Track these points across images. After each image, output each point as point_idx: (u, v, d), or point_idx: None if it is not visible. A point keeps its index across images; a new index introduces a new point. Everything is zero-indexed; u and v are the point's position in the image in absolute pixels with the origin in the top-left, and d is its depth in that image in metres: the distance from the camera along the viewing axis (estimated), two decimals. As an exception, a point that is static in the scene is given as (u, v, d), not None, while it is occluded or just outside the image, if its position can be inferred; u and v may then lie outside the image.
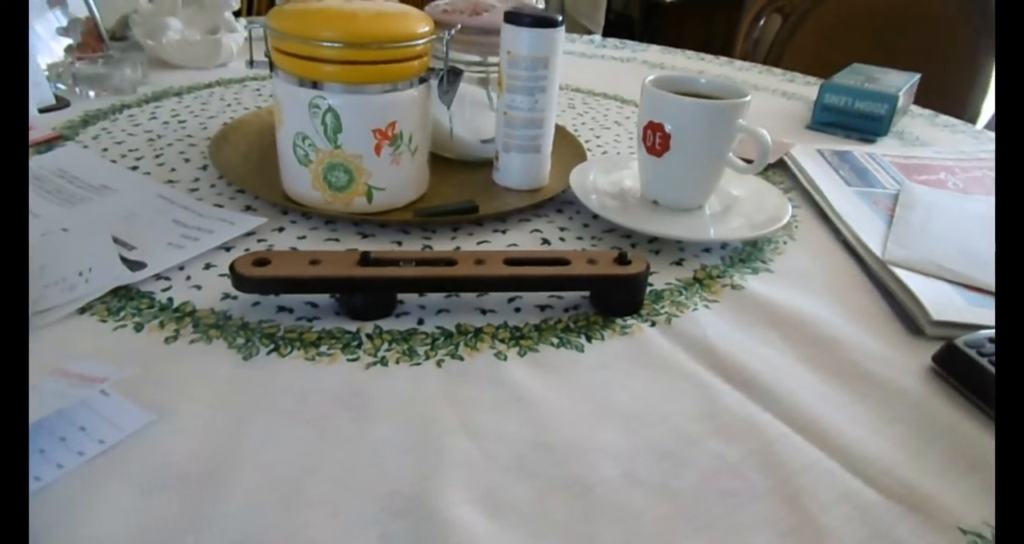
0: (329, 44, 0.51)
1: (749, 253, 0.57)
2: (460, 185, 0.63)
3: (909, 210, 0.63)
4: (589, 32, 2.26)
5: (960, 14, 1.33)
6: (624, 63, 1.14)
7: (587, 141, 0.78)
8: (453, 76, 0.58)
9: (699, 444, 0.37)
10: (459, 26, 0.60)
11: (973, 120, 1.30)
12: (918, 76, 0.96)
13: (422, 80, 0.56)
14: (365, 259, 0.45)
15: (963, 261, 0.55)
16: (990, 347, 0.44)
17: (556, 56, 0.59)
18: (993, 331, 0.45)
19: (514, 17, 0.58)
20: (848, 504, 0.34)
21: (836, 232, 0.61)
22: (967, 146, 0.86)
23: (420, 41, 0.54)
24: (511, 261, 0.47)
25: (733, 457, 0.37)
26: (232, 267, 0.43)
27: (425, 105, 0.57)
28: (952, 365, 0.44)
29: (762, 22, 1.46)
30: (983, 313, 0.49)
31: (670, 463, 0.36)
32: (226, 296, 0.46)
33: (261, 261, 0.44)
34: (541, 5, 0.99)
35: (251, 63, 0.56)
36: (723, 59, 1.20)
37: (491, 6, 0.66)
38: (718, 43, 2.45)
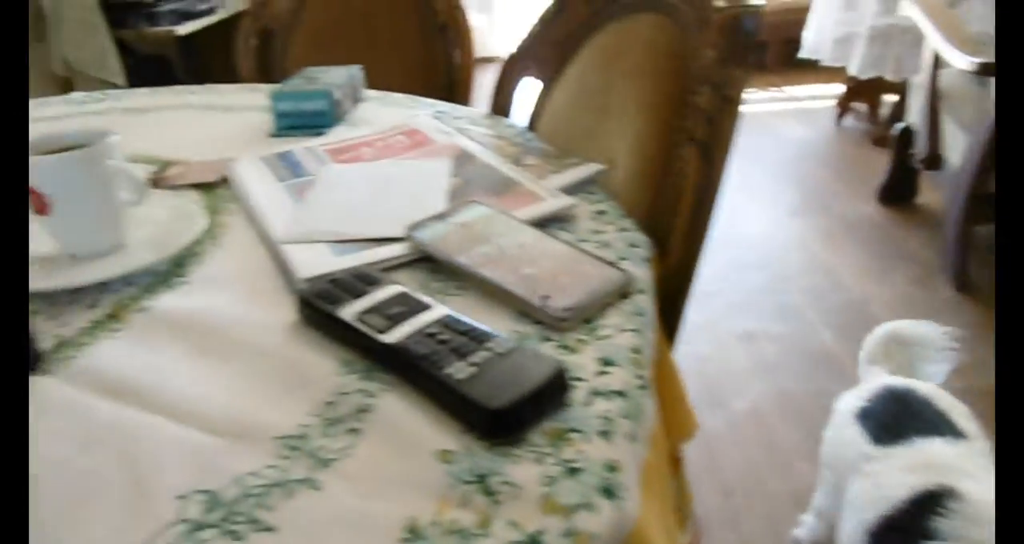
0: None
1: (170, 272, 0.62)
2: None
3: (315, 191, 0.74)
4: (110, 84, 2.13)
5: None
6: (99, 115, 1.11)
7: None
8: None
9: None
10: None
11: (445, 92, 1.52)
12: (358, 67, 1.10)
13: None
14: None
15: (341, 220, 0.66)
16: (328, 287, 0.54)
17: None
18: (331, 274, 0.56)
19: None
20: (179, 451, 0.41)
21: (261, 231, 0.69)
22: (397, 117, 1.01)
23: None
24: None
25: (91, 465, 0.41)
26: None
27: None
28: (304, 313, 0.54)
29: (254, 42, 1.52)
30: (345, 260, 0.60)
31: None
32: None
33: None
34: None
35: None
36: (209, 86, 1.24)
37: None
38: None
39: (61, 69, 2.11)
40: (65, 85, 2.16)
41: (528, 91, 1.04)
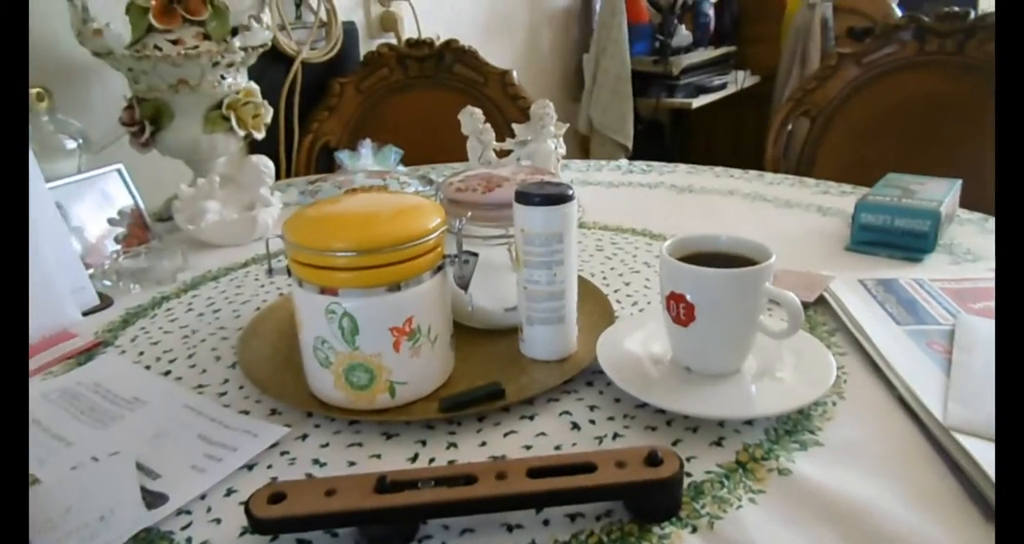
0: (342, 254, 0.51)
1: (796, 422, 0.52)
2: (486, 360, 0.61)
3: (967, 353, 0.58)
4: (621, 146, 2.28)
5: (989, 96, 1.28)
6: (651, 189, 1.13)
7: (616, 291, 0.76)
8: (466, 263, 0.57)
9: None
10: (469, 215, 0.60)
11: None
12: (959, 183, 0.91)
13: (438, 269, 0.56)
14: (382, 485, 0.42)
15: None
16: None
17: (571, 230, 0.58)
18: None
19: (524, 196, 0.57)
20: None
21: (889, 385, 0.56)
22: None
23: (431, 236, 0.54)
24: (534, 472, 0.44)
25: None
26: (247, 509, 0.41)
27: (442, 293, 0.57)
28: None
29: (790, 127, 1.44)
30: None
31: None
32: (244, 531, 0.44)
33: (276, 497, 0.42)
34: (562, 151, 1.01)
35: (270, 271, 0.57)
36: (753, 173, 1.18)
37: (504, 179, 0.66)
38: (748, 144, 2.44)
39: (584, 128, 2.35)
40: (582, 142, 2.40)
41: None
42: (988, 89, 1.29)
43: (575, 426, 0.53)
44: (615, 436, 0.52)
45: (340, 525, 0.42)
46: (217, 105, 1.04)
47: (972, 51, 1.31)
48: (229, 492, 0.47)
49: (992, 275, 0.73)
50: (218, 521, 0.45)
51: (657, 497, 0.44)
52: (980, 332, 0.61)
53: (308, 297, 0.53)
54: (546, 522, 0.44)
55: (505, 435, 0.52)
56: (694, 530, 0.43)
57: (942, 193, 0.87)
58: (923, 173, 0.94)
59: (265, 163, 1.01)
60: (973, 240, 0.85)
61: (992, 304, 0.67)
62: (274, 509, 0.41)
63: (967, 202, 0.94)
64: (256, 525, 0.41)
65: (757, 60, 2.68)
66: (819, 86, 1.42)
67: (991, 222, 0.91)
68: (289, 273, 0.55)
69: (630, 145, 2.27)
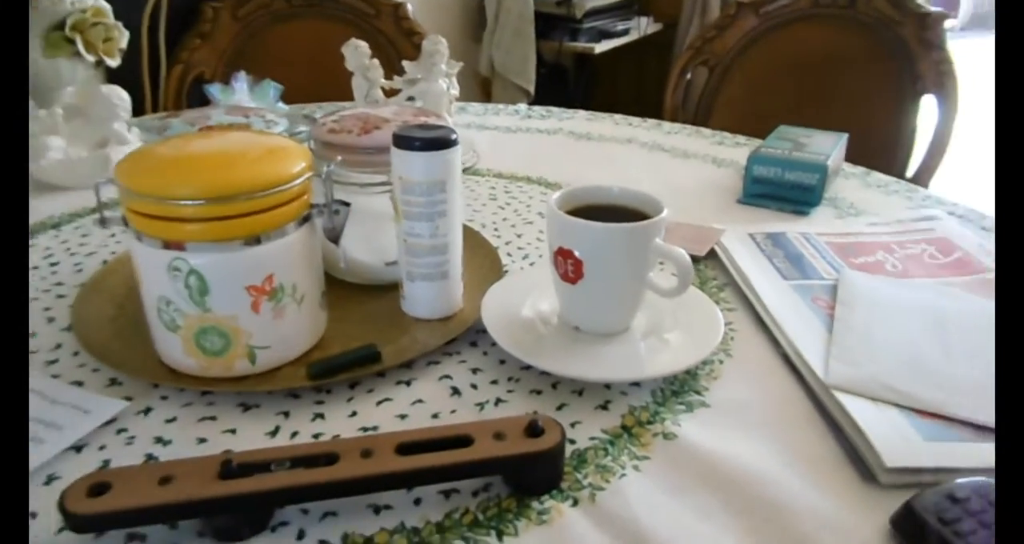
0: (188, 202, 0.44)
1: (683, 382, 0.51)
2: (363, 319, 0.56)
3: (849, 309, 0.58)
4: (523, 91, 2.21)
5: (882, 55, 1.31)
6: (550, 136, 1.08)
7: (507, 243, 0.72)
8: (336, 213, 0.51)
9: None
10: (339, 159, 0.54)
11: (903, 163, 1.27)
12: (846, 136, 0.92)
13: (304, 220, 0.49)
14: (227, 469, 0.37)
15: (911, 375, 0.49)
16: (954, 511, 0.37)
17: (454, 178, 0.53)
18: (954, 485, 0.39)
19: (403, 140, 0.52)
20: None
21: (776, 343, 0.55)
22: (902, 210, 0.81)
23: (294, 182, 0.47)
24: (404, 448, 0.39)
25: None
26: (61, 504, 0.35)
27: (309, 247, 0.50)
28: (911, 531, 0.38)
29: (688, 76, 1.42)
30: (941, 450, 0.43)
31: None
32: (64, 527, 0.37)
33: (98, 488, 0.36)
34: (455, 91, 0.94)
35: (103, 222, 0.49)
36: (651, 122, 1.16)
37: (384, 121, 0.60)
38: (651, 91, 2.43)
39: (485, 70, 2.26)
40: (483, 84, 2.32)
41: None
42: (873, 45, 1.32)
43: (455, 391, 0.49)
44: (498, 402, 0.49)
45: (177, 518, 0.37)
46: (59, 25, 0.90)
47: (862, 7, 1.33)
48: (49, 480, 0.41)
49: (873, 230, 0.74)
50: (33, 516, 0.38)
51: (537, 470, 0.41)
52: (860, 287, 0.61)
53: (149, 252, 0.46)
54: (417, 501, 0.40)
55: (378, 403, 0.48)
56: (575, 503, 0.40)
57: (829, 147, 0.87)
58: (814, 126, 0.94)
59: (119, 95, 0.89)
60: (856, 194, 0.87)
61: (871, 259, 0.68)
62: (95, 503, 0.35)
63: (850, 156, 0.95)
64: (72, 522, 0.35)
65: (660, 7, 2.66)
66: (718, 35, 1.40)
67: (873, 176, 0.93)
68: (126, 224, 0.47)
69: (532, 89, 2.21)
